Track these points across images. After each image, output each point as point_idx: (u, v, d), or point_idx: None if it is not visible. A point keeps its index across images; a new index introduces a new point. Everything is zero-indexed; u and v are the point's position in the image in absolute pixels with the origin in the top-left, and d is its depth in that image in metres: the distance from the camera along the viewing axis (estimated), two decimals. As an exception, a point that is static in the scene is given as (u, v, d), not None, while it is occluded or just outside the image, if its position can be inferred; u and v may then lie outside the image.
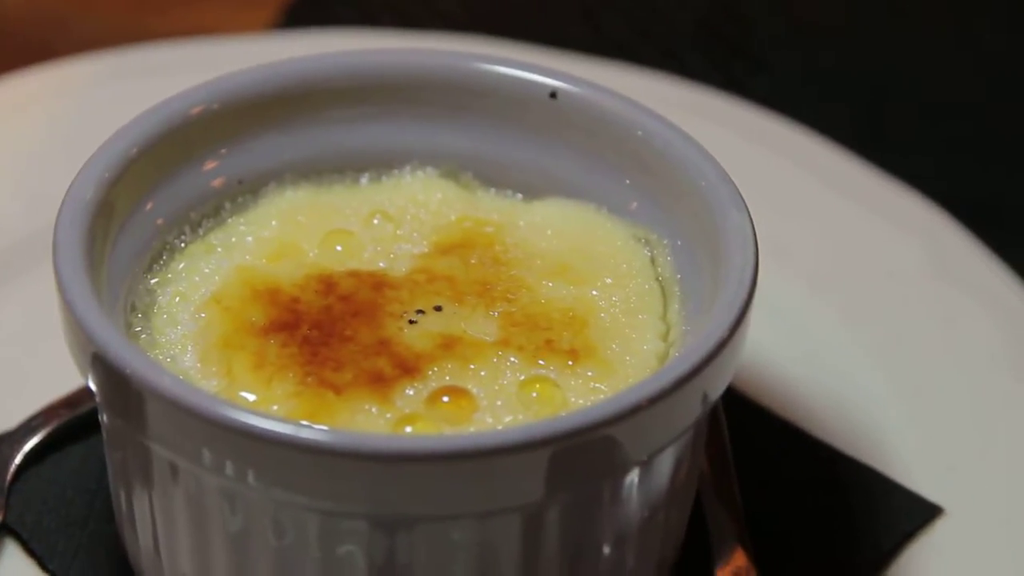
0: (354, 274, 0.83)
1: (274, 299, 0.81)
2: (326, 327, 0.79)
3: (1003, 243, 1.04)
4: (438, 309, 0.81)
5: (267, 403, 0.76)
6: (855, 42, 1.30)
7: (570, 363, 0.79)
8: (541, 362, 0.79)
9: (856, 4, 1.34)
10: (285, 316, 0.80)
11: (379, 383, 0.77)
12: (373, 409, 0.76)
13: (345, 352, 0.78)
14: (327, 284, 0.82)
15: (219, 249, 0.84)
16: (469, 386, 0.77)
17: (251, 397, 0.76)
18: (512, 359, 0.79)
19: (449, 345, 0.79)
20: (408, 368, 0.78)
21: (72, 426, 0.90)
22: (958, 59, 1.28)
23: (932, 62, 1.28)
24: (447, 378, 0.77)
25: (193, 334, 0.80)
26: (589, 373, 0.79)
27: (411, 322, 0.80)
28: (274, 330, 0.79)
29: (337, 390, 0.76)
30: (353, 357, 0.78)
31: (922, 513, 0.89)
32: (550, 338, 0.80)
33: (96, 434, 0.82)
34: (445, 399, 0.77)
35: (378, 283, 0.82)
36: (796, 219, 1.05)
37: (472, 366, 0.78)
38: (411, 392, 0.77)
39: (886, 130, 1.20)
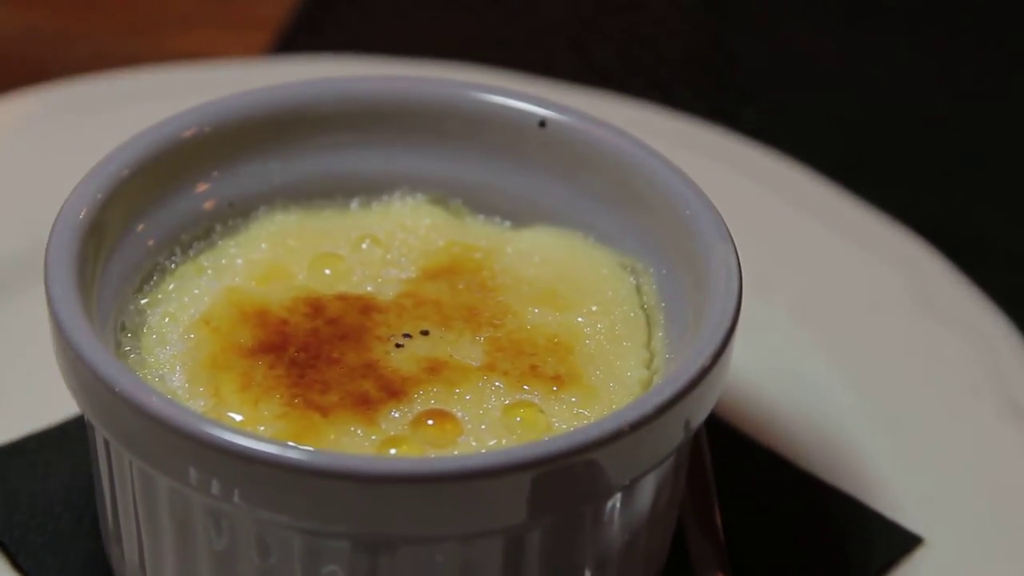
0: (342, 297, 0.83)
1: (262, 321, 0.81)
2: (313, 349, 0.80)
3: (985, 275, 1.05)
4: (425, 333, 0.82)
5: (254, 424, 0.77)
6: (840, 74, 1.31)
7: (554, 388, 0.79)
8: (526, 387, 0.79)
9: (841, 37, 1.35)
10: (273, 338, 0.80)
11: (365, 405, 0.77)
12: (359, 431, 0.77)
13: (331, 374, 0.79)
14: (315, 307, 0.82)
15: (209, 271, 0.85)
16: (454, 410, 0.78)
17: (238, 418, 0.77)
18: (497, 384, 0.79)
19: (435, 369, 0.79)
20: (394, 391, 0.78)
21: (61, 439, 0.90)
22: (942, 92, 1.29)
23: (916, 94, 1.29)
24: (432, 402, 0.78)
25: (182, 354, 0.80)
26: (573, 399, 0.79)
27: (398, 346, 0.81)
28: (262, 351, 0.80)
29: (323, 412, 0.77)
30: (339, 379, 0.79)
31: (902, 543, 0.90)
32: (535, 364, 0.80)
33: (85, 449, 0.83)
34: (430, 422, 0.77)
35: (366, 307, 0.83)
36: (780, 249, 1.06)
37: (457, 390, 0.79)
38: (396, 415, 0.77)
39: (870, 162, 1.21)
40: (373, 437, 0.76)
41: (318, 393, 0.78)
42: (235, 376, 0.79)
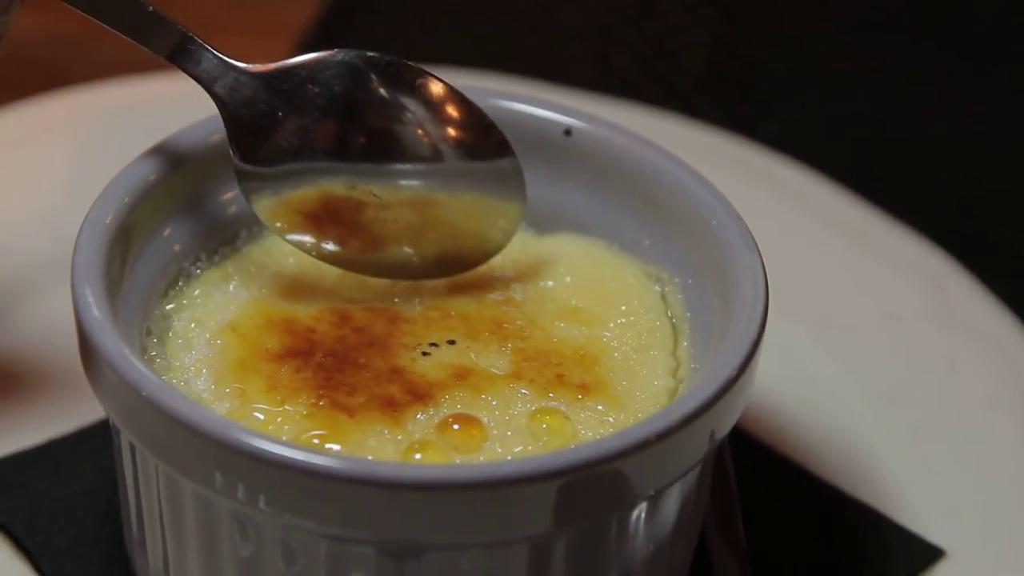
0: (369, 309, 0.83)
1: (289, 328, 0.81)
2: (340, 355, 0.80)
3: (1006, 287, 1.05)
4: (451, 343, 0.82)
5: (279, 423, 0.77)
6: (861, 86, 1.31)
7: (580, 396, 0.79)
8: (551, 395, 0.79)
9: (862, 49, 1.35)
10: (299, 344, 0.81)
11: (391, 407, 0.78)
12: (385, 431, 0.77)
13: (358, 378, 0.79)
14: (342, 316, 0.82)
15: (235, 277, 0.85)
16: (480, 415, 0.78)
17: (263, 417, 0.77)
18: (523, 391, 0.79)
19: (461, 375, 0.80)
20: (420, 395, 0.78)
21: (85, 444, 0.91)
22: (963, 104, 1.30)
23: (937, 105, 1.29)
24: (458, 406, 0.78)
25: (207, 359, 0.80)
26: (599, 407, 0.79)
27: (424, 354, 0.81)
28: (289, 356, 0.80)
29: (349, 412, 0.77)
30: (366, 383, 0.79)
31: (924, 555, 0.90)
32: (561, 372, 0.80)
33: (108, 454, 0.83)
34: (456, 427, 0.77)
35: (392, 317, 0.83)
36: (799, 261, 1.06)
37: (483, 396, 0.79)
38: (422, 417, 0.78)
39: (890, 173, 1.21)
40: (399, 438, 0.77)
41: (344, 395, 0.78)
42: (261, 378, 0.79)
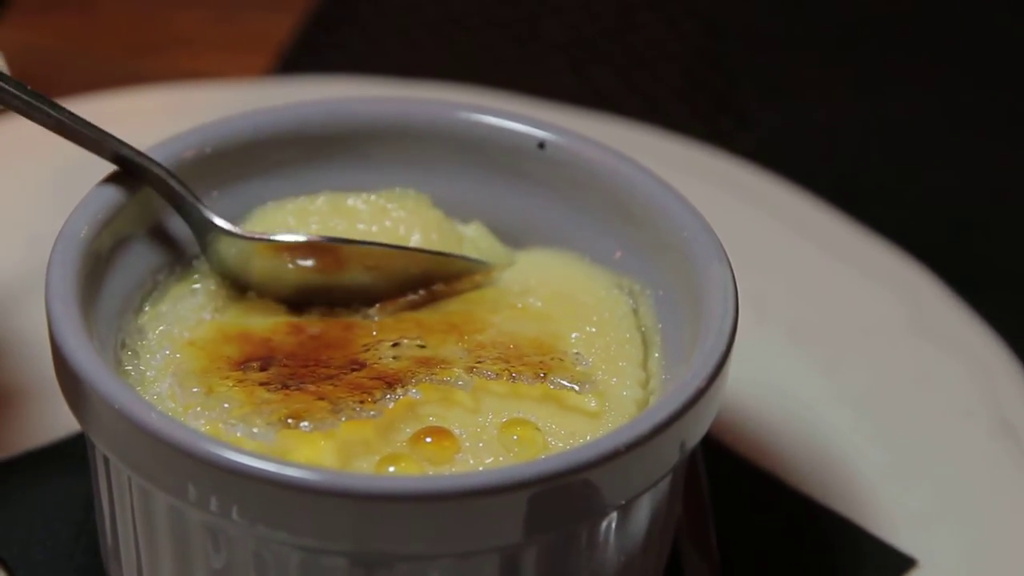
0: (323, 320, 0.84)
1: (247, 339, 0.82)
2: (300, 357, 0.81)
3: (981, 299, 1.06)
4: (409, 342, 0.82)
5: (252, 406, 0.77)
6: (840, 98, 1.32)
7: (542, 375, 0.80)
8: (514, 374, 0.79)
9: (841, 61, 1.36)
10: (259, 351, 0.81)
11: (360, 390, 0.78)
12: (356, 407, 0.77)
13: (323, 371, 0.79)
14: (296, 327, 0.83)
15: (202, 292, 0.85)
16: (452, 427, 0.79)
17: (229, 406, 0.77)
18: (488, 372, 0.79)
19: (424, 363, 0.80)
20: (388, 381, 0.79)
21: (60, 456, 0.91)
22: (941, 116, 1.30)
23: (915, 119, 1.30)
24: (430, 418, 0.79)
25: (177, 371, 0.81)
26: (562, 381, 0.80)
27: (384, 352, 0.81)
28: (251, 360, 0.80)
29: (319, 396, 0.78)
30: (332, 374, 0.79)
31: (895, 564, 0.90)
32: (523, 354, 0.81)
33: (84, 466, 0.83)
34: (428, 440, 0.78)
35: (348, 325, 0.84)
36: (777, 271, 1.07)
37: (447, 378, 0.79)
38: (391, 397, 0.78)
39: (868, 186, 1.22)
40: (372, 413, 0.77)
41: (312, 383, 0.78)
42: (228, 380, 0.79)
